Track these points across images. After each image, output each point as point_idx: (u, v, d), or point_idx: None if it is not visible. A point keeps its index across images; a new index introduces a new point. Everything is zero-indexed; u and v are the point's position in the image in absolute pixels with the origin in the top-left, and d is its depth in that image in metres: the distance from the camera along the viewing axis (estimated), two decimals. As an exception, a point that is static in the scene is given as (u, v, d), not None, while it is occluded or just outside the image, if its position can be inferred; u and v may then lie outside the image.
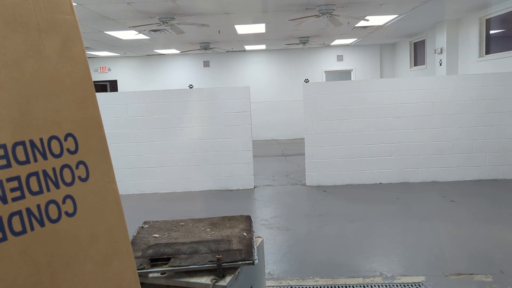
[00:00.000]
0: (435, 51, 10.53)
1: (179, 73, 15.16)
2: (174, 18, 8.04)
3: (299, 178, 7.50)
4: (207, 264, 1.84)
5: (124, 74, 15.36)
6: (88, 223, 1.25)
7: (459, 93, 6.71)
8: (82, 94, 1.32)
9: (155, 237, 2.21)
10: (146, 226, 2.41)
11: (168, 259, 1.92)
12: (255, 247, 2.00)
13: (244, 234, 2.15)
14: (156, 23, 8.07)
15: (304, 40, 12.39)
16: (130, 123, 6.90)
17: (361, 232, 4.75)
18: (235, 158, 6.97)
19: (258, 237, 2.26)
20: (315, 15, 8.03)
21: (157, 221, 2.48)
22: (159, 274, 1.86)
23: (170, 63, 15.18)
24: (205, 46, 12.46)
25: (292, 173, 8.05)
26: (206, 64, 15.00)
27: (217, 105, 6.91)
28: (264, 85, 14.82)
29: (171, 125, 6.91)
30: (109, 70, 15.31)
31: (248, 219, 2.39)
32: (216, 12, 8.02)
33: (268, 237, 4.63)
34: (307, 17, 8.10)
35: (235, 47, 13.83)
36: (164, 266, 1.88)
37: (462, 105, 6.71)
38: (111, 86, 15.42)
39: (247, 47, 14.04)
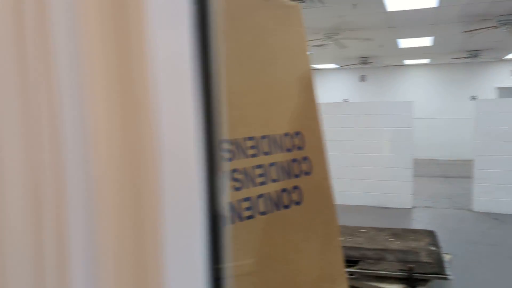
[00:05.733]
0: None
1: (333, 87, 15.26)
2: (339, 33, 8.18)
3: (464, 203, 6.88)
4: (397, 272, 1.85)
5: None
6: (310, 214, 1.37)
7: None
8: (306, 97, 1.47)
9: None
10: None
11: (355, 262, 1.97)
12: (446, 263, 1.93)
13: (432, 248, 2.09)
14: (321, 38, 8.31)
15: (473, 54, 11.41)
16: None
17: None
18: (393, 175, 6.73)
19: (446, 253, 2.17)
20: (493, 26, 7.35)
21: (335, 226, 2.56)
22: (347, 275, 1.93)
23: (325, 78, 15.39)
24: (364, 61, 12.36)
25: (455, 196, 7.44)
26: (362, 78, 14.82)
27: (375, 120, 6.78)
28: (422, 102, 14.00)
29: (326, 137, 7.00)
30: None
31: (431, 234, 2.32)
32: (380, 26, 7.92)
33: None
34: (482, 28, 7.47)
35: (393, 62, 13.40)
36: (352, 268, 1.94)
37: None
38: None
39: (406, 62, 13.49)
